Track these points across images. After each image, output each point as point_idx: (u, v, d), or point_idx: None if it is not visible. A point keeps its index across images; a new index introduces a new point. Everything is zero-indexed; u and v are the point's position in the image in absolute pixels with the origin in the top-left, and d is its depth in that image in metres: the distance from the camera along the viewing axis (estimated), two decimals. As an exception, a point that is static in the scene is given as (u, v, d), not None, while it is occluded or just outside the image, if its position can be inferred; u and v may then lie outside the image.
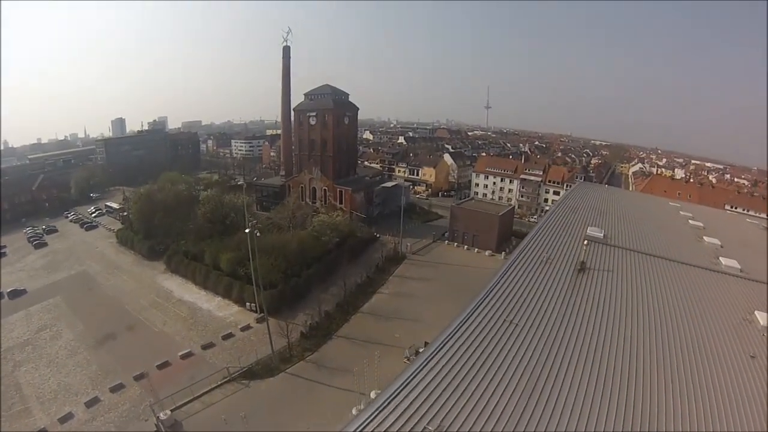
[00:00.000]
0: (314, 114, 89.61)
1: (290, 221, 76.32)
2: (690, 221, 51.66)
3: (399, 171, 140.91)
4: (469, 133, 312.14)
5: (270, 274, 58.45)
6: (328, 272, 66.74)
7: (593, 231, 38.33)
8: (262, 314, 56.45)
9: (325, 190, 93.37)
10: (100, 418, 41.61)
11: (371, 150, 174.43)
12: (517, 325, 21.64)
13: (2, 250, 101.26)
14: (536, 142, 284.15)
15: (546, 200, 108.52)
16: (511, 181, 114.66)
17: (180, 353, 49.59)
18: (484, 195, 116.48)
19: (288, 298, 59.02)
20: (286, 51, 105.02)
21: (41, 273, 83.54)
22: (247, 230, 43.08)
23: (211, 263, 67.67)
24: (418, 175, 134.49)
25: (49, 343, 55.74)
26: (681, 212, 57.22)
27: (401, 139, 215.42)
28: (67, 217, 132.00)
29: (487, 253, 75.98)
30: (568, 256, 32.02)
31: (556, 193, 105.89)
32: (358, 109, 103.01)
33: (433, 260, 74.79)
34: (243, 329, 54.53)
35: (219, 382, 44.15)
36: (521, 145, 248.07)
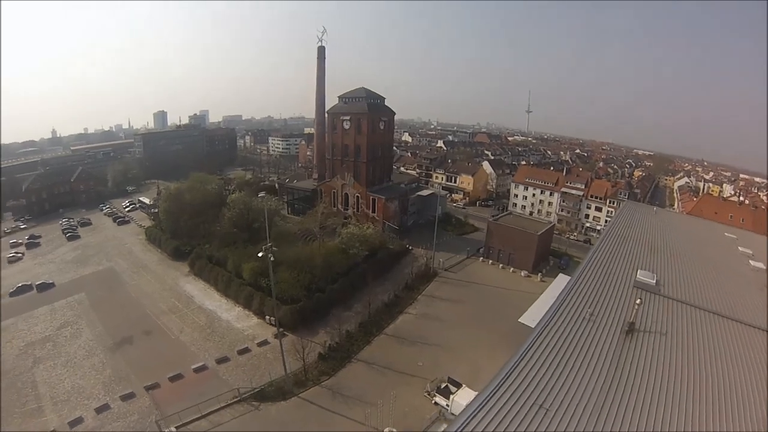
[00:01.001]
0: (348, 118, 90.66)
1: (318, 231, 76.84)
2: (751, 261, 46.85)
3: (436, 177, 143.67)
4: (510, 138, 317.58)
5: (292, 288, 58.98)
6: (354, 288, 66.74)
7: (644, 276, 34.83)
8: (282, 329, 57.06)
9: (357, 197, 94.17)
10: (108, 427, 43.09)
11: (409, 154, 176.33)
12: (548, 411, 19.07)
13: (36, 241, 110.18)
14: (577, 150, 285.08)
15: (587, 216, 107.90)
16: (551, 194, 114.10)
17: (193, 366, 50.68)
18: (523, 207, 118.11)
19: (309, 315, 59.11)
20: (321, 51, 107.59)
21: (70, 267, 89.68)
22: (261, 254, 43.52)
23: (233, 270, 69.37)
24: (455, 182, 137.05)
25: (69, 341, 59.16)
26: (739, 248, 52.23)
27: (440, 143, 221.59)
28: (102, 209, 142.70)
29: (522, 273, 75.46)
30: (615, 310, 28.81)
31: (598, 209, 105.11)
32: (394, 113, 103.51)
33: (466, 279, 74.42)
34: (260, 344, 54.89)
35: (228, 402, 44.47)
36: (562, 153, 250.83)
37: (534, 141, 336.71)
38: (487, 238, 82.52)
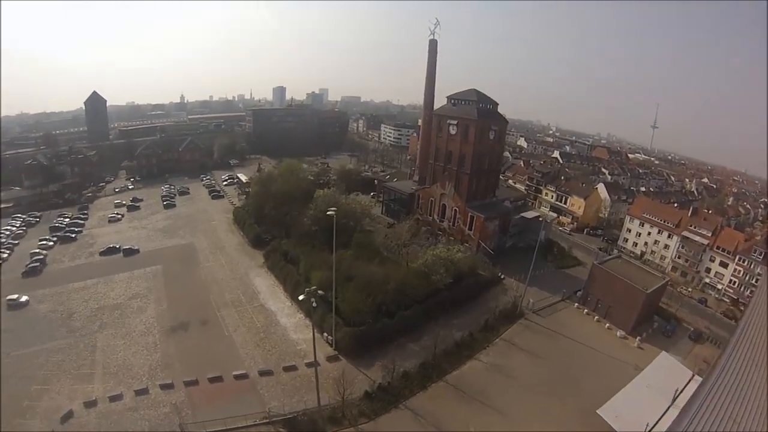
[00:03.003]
0: (455, 122, 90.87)
1: (401, 250, 76.63)
2: None
3: (546, 194, 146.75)
4: (630, 156, 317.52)
5: (359, 306, 58.84)
6: (428, 316, 65.86)
7: None
8: (336, 352, 58.00)
9: (455, 210, 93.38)
10: (141, 412, 48.17)
11: (521, 163, 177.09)
12: None
13: (137, 204, 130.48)
14: (704, 179, 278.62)
15: (708, 270, 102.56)
16: (669, 236, 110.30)
17: (235, 372, 53.65)
18: (634, 245, 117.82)
19: (371, 340, 58.59)
20: (433, 45, 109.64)
21: (158, 236, 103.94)
22: (302, 297, 44.72)
23: (304, 273, 72.08)
24: (565, 203, 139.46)
25: (134, 314, 68.00)
26: None
27: (556, 154, 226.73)
28: (202, 180, 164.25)
29: (619, 333, 72.69)
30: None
31: (723, 264, 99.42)
32: (506, 122, 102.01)
33: (553, 327, 71.82)
34: (309, 365, 55.63)
35: (256, 422, 46.15)
36: (687, 180, 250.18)
37: (657, 162, 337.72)
38: (587, 282, 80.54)
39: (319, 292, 47.21)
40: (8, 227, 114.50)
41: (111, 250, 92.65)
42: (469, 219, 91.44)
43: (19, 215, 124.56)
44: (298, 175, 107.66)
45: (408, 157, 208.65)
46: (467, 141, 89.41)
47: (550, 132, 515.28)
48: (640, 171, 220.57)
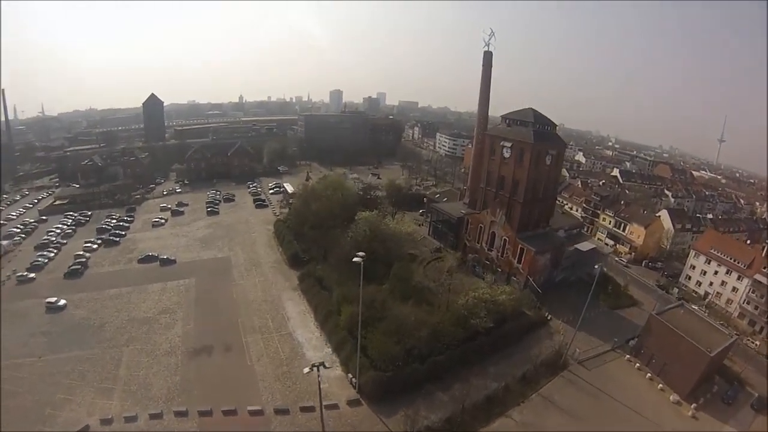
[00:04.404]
0: (509, 145, 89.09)
1: (441, 291, 76.09)
2: None
3: (603, 220, 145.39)
4: (695, 173, 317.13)
5: (388, 350, 58.93)
6: (462, 363, 64.67)
7: None
8: (358, 396, 58.34)
9: (505, 240, 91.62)
10: (152, 439, 50.82)
11: (579, 183, 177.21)
12: None
13: (181, 209, 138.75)
14: None
15: None
16: (739, 278, 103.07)
17: (250, 408, 55.31)
18: (698, 284, 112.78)
19: (397, 386, 58.27)
20: (488, 58, 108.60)
21: (196, 246, 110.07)
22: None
23: (336, 304, 73.14)
24: (624, 230, 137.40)
25: (162, 330, 72.41)
26: None
27: (615, 171, 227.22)
28: (248, 187, 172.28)
29: (672, 397, 68.32)
30: None
31: None
32: (565, 146, 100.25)
33: (599, 384, 68.06)
34: (328, 407, 56.20)
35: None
36: (757, 204, 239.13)
37: (724, 181, 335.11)
38: (643, 332, 77.04)
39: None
40: (60, 225, 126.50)
41: (148, 258, 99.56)
42: (518, 251, 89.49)
43: (71, 213, 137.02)
44: (342, 192, 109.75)
45: (462, 170, 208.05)
46: (521, 166, 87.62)
47: (609, 144, 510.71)
48: (706, 193, 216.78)
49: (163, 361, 64.36)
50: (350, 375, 60.90)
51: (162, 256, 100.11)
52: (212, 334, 70.75)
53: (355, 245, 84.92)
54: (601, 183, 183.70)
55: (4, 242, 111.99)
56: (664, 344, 71.53)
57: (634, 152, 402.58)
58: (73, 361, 65.32)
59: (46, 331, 74.10)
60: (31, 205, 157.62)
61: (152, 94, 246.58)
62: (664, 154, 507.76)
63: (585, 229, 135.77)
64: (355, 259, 51.89)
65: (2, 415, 54.72)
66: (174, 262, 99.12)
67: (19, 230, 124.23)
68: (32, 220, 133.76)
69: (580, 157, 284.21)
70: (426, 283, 76.14)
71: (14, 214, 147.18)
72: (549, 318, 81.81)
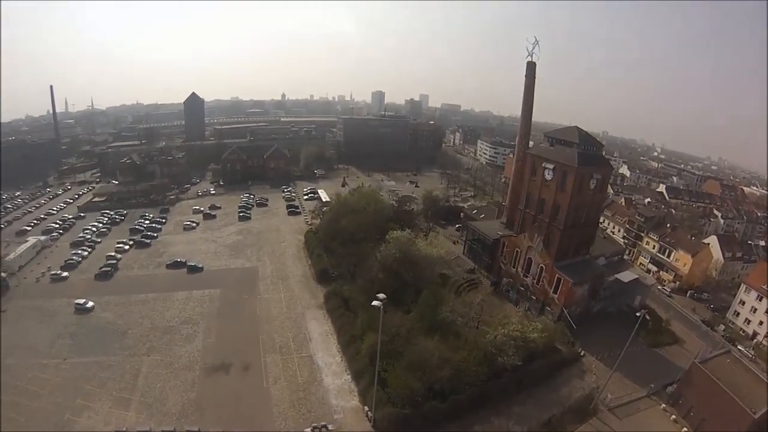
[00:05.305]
0: (551, 167, 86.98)
1: (471, 324, 75.77)
2: None
3: (647, 243, 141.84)
4: (745, 190, 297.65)
5: (409, 384, 59.16)
6: (485, 401, 63.57)
7: None
8: (373, 431, 58.58)
9: (541, 267, 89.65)
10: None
11: (622, 201, 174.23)
12: None
13: (213, 213, 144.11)
14: None
15: None
16: None
17: (259, 436, 57.05)
18: (746, 322, 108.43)
19: (415, 424, 57.95)
20: (531, 68, 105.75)
21: (224, 253, 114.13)
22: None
23: (360, 329, 73.78)
24: (669, 256, 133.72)
25: (182, 341, 75.68)
26: None
27: (661, 188, 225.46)
28: (283, 191, 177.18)
29: None
30: None
31: None
32: (611, 169, 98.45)
33: None
34: (341, 441, 57.22)
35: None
36: None
37: None
38: (682, 380, 73.37)
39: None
40: (96, 223, 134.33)
41: (177, 264, 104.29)
42: (555, 280, 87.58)
43: (107, 211, 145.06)
44: (375, 205, 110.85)
45: (502, 179, 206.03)
46: (563, 190, 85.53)
47: (655, 154, 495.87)
48: (759, 214, 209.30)
49: (180, 376, 67.15)
50: (366, 408, 61.46)
51: (190, 263, 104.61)
52: (232, 351, 73.17)
53: (383, 268, 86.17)
54: (646, 202, 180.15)
55: (42, 238, 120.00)
56: (704, 396, 68.24)
57: (681, 165, 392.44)
58: (95, 366, 69.55)
59: (72, 332, 79.46)
60: (71, 200, 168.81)
61: (193, 93, 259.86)
62: (713, 166, 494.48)
63: (627, 252, 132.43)
64: (374, 303, 51.85)
65: (25, 415, 59.48)
66: (201, 269, 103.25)
67: (57, 226, 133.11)
68: (71, 216, 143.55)
69: (624, 170, 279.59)
70: (454, 318, 75.52)
71: (55, 208, 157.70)
72: (582, 354, 79.76)
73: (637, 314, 66.58)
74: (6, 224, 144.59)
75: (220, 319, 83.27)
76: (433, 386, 61.10)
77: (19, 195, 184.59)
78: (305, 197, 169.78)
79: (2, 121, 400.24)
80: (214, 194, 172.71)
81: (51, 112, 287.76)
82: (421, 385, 59.80)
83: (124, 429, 56.87)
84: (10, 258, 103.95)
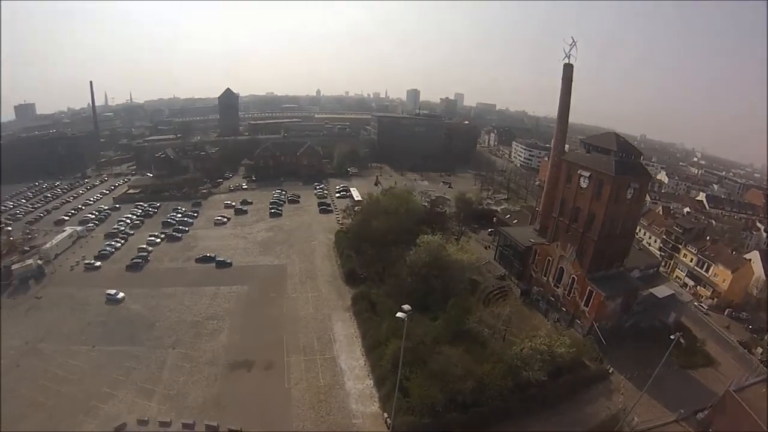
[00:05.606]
0: (587, 175, 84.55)
1: (497, 335, 74.80)
2: None
3: (685, 256, 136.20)
4: None
5: (430, 393, 58.87)
6: (505, 417, 62.01)
7: None
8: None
9: (573, 278, 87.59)
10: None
11: (660, 209, 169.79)
12: None
13: (245, 209, 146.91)
14: None
15: None
16: None
17: (275, 439, 57.92)
18: None
19: (432, 435, 58.17)
20: (568, 71, 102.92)
21: (254, 250, 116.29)
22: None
23: (386, 336, 73.23)
24: (707, 271, 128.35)
25: (208, 337, 77.70)
26: None
27: (701, 196, 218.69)
28: (315, 188, 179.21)
29: None
30: None
31: None
32: (650, 177, 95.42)
33: None
34: (357, 448, 57.47)
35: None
36: None
37: None
38: (715, 408, 69.79)
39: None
40: (130, 215, 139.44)
41: (206, 259, 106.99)
42: (586, 292, 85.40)
43: (142, 203, 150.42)
44: (406, 206, 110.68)
45: (537, 183, 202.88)
46: (599, 199, 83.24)
47: (695, 160, 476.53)
48: None
49: (204, 371, 68.88)
50: (386, 415, 61.42)
51: (219, 258, 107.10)
52: (256, 349, 74.37)
53: (412, 272, 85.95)
54: (685, 211, 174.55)
55: (78, 228, 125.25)
56: (737, 427, 64.93)
57: (723, 172, 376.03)
58: (122, 355, 72.46)
59: (103, 321, 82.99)
60: (107, 192, 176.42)
61: (228, 89, 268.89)
62: (756, 174, 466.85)
63: (663, 264, 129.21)
64: (399, 315, 51.62)
65: (53, 399, 63.09)
66: (230, 265, 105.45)
67: (93, 216, 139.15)
68: (106, 207, 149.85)
69: (662, 176, 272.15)
70: (480, 329, 74.67)
71: (92, 199, 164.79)
72: (611, 372, 77.19)
73: (671, 337, 63.82)
74: (45, 213, 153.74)
75: (246, 316, 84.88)
76: (455, 397, 60.57)
77: (58, 185, 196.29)
78: (337, 195, 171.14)
79: (44, 113, 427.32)
80: (246, 189, 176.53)
81: (91, 105, 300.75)
82: (442, 395, 59.30)
83: (146, 418, 59.07)
84: (47, 246, 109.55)
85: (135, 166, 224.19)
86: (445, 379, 60.18)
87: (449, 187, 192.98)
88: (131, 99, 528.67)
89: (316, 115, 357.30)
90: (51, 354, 73.58)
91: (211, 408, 61.41)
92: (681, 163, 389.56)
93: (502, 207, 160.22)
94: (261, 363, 71.34)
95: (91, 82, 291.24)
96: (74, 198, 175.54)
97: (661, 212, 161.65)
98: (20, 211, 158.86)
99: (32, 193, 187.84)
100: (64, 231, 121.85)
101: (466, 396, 60.54)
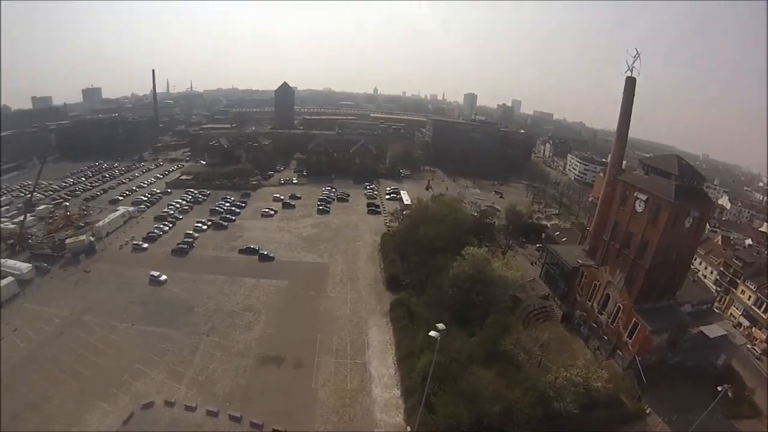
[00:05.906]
0: (644, 198, 79.87)
1: (536, 358, 72.36)
2: None
3: (742, 293, 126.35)
4: None
5: (456, 413, 57.78)
6: None
7: None
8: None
9: (619, 307, 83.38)
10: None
11: (719, 238, 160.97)
12: None
13: (293, 203, 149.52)
14: None
15: None
16: None
17: (299, 437, 58.36)
18: None
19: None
20: (630, 84, 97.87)
21: (298, 245, 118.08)
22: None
23: (420, 347, 72.19)
24: (766, 312, 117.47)
25: (242, 328, 79.49)
26: None
27: (765, 227, 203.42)
28: (366, 188, 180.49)
29: None
30: None
31: None
32: (711, 204, 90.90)
33: None
34: (377, 460, 56.91)
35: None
36: None
37: None
38: None
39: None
40: (180, 200, 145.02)
41: (249, 251, 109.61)
42: (631, 323, 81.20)
43: (192, 190, 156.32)
44: (455, 215, 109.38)
45: (590, 199, 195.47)
46: (655, 226, 78.74)
47: (761, 185, 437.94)
48: None
49: (234, 361, 70.43)
50: (409, 428, 60.64)
51: (262, 251, 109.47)
52: (288, 345, 75.27)
53: (454, 284, 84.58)
54: (747, 243, 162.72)
55: (131, 209, 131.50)
56: None
57: None
58: (158, 336, 75.58)
59: (144, 301, 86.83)
60: (161, 176, 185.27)
61: (284, 83, 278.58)
62: None
63: (718, 299, 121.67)
64: (432, 333, 50.84)
65: (90, 369, 67.09)
66: (272, 259, 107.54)
67: (145, 199, 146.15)
68: (158, 191, 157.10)
69: (724, 201, 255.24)
70: (517, 352, 72.45)
71: (146, 182, 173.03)
72: (648, 412, 72.59)
73: (719, 388, 60.03)
74: (102, 192, 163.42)
75: (283, 311, 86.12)
76: (482, 420, 59.00)
77: (116, 166, 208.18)
78: (387, 197, 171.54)
79: (110, 97, 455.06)
80: (296, 184, 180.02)
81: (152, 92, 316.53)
82: (469, 416, 58.03)
83: (173, 400, 61.33)
84: (100, 224, 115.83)
85: (189, 153, 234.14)
86: (473, 400, 58.82)
87: (500, 197, 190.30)
88: (191, 88, 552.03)
89: (372, 114, 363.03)
90: (93, 327, 77.98)
91: (237, 399, 62.81)
92: (746, 188, 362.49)
93: (552, 222, 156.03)
94: (291, 360, 72.13)
95: (153, 71, 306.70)
96: (130, 180, 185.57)
97: (720, 242, 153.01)
98: (79, 189, 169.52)
99: (92, 172, 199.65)
100: (117, 210, 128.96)
101: (493, 420, 58.82)
